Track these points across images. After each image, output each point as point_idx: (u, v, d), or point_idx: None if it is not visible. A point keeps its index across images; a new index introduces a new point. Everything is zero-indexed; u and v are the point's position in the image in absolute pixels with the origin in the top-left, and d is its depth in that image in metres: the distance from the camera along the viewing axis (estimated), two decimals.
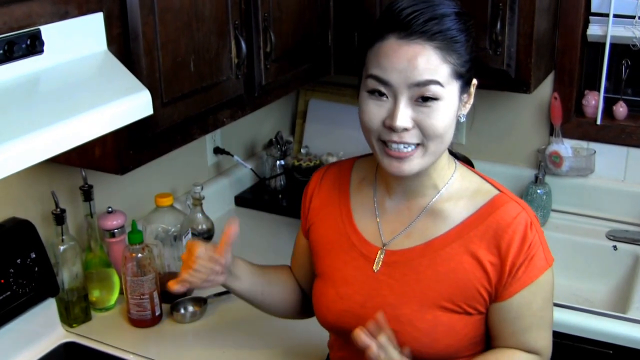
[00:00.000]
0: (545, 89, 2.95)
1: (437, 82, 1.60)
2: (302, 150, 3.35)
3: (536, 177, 2.98)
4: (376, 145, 1.68)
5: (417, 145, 1.64)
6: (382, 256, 1.80)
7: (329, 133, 3.37)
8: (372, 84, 1.64)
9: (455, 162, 1.81)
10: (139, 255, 2.30)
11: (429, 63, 1.59)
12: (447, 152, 1.76)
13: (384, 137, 1.65)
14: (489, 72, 2.53)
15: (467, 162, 1.91)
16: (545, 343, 1.79)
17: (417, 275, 1.75)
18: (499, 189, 1.76)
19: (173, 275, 2.45)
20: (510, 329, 1.75)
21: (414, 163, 1.66)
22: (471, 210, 1.74)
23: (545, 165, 3.00)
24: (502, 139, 3.09)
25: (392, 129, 1.62)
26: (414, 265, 1.76)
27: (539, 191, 2.97)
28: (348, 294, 1.82)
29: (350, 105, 3.31)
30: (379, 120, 1.64)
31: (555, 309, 2.26)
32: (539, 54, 2.60)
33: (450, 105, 1.63)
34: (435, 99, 1.60)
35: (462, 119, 1.72)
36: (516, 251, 1.68)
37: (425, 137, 1.63)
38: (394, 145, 1.64)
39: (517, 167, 3.09)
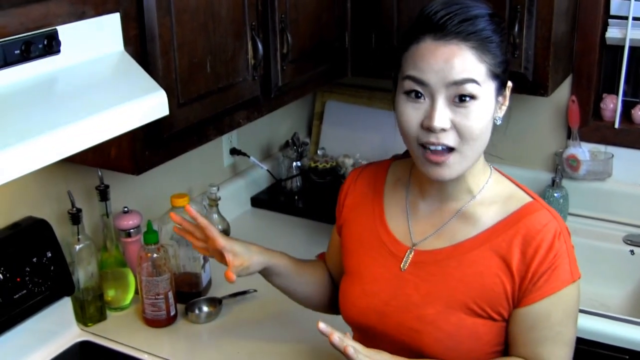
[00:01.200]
0: (563, 92, 2.93)
1: (474, 81, 1.61)
2: (318, 152, 3.35)
3: (553, 181, 2.97)
4: (416, 150, 1.68)
5: (453, 150, 1.64)
6: (410, 256, 1.82)
7: (346, 135, 3.37)
8: (408, 84, 1.65)
9: (491, 168, 1.82)
10: (154, 255, 2.31)
11: (466, 62, 1.60)
12: (482, 157, 1.77)
13: (422, 139, 1.65)
14: None
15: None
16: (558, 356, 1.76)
17: (444, 276, 1.76)
18: (532, 197, 1.76)
19: (188, 275, 2.47)
20: (524, 338, 1.73)
21: (453, 169, 1.66)
22: (502, 215, 1.74)
23: (562, 168, 2.99)
24: (519, 142, 3.07)
25: (430, 129, 1.62)
26: (441, 266, 1.76)
27: (555, 195, 2.95)
28: (374, 291, 1.84)
29: (367, 107, 3.31)
30: (417, 122, 1.65)
31: None
32: (556, 57, 2.58)
33: (487, 105, 1.65)
34: (472, 97, 1.61)
35: (499, 122, 1.73)
36: (541, 259, 1.67)
37: (462, 139, 1.63)
38: (432, 147, 1.64)
39: (534, 170, 3.07)
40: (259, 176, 3.28)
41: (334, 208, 2.04)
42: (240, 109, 2.27)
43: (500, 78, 1.67)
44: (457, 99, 1.61)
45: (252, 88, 2.28)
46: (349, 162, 3.20)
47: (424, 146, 1.65)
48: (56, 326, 2.28)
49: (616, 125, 2.93)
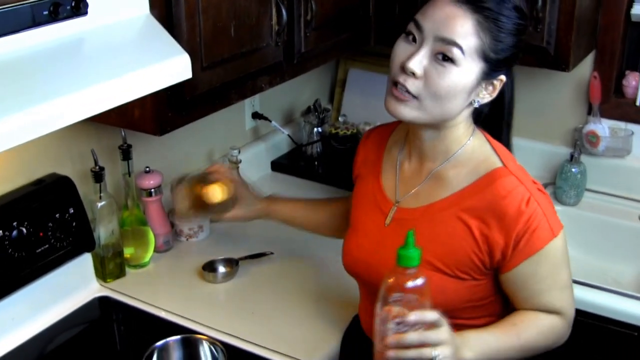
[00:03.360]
0: (585, 67, 2.93)
1: (460, 47, 1.68)
2: (339, 119, 3.36)
3: (572, 156, 2.97)
4: (387, 87, 1.77)
5: (414, 97, 1.71)
6: (393, 212, 1.91)
7: (367, 103, 3.38)
8: (410, 26, 1.75)
9: (474, 132, 1.86)
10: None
11: (462, 28, 1.67)
12: (466, 123, 1.83)
13: (394, 77, 1.74)
14: (528, 49, 2.49)
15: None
16: (563, 303, 1.84)
17: (417, 234, 1.78)
18: (504, 163, 1.80)
19: None
20: (519, 297, 1.82)
21: (408, 111, 1.74)
22: (471, 179, 1.80)
23: (581, 144, 2.99)
24: (539, 116, 3.08)
25: (403, 69, 1.71)
26: (415, 224, 1.80)
27: (573, 170, 2.96)
28: (363, 244, 1.95)
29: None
30: (400, 61, 1.73)
31: (582, 287, 2.30)
32: (579, 32, 2.58)
33: (464, 76, 1.70)
34: (451, 61, 1.68)
35: (475, 104, 1.78)
36: (511, 225, 1.72)
37: (426, 92, 1.70)
38: (397, 91, 1.72)
39: (552, 145, 3.08)
40: (280, 141, 3.30)
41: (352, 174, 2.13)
42: (262, 74, 2.29)
43: (491, 63, 1.71)
44: (439, 55, 1.68)
45: (275, 53, 2.30)
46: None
47: (395, 84, 1.73)
48: (76, 281, 2.33)
49: (637, 103, 2.92)
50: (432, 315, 1.61)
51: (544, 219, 1.74)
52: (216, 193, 2.14)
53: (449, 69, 1.68)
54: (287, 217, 2.34)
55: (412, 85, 1.71)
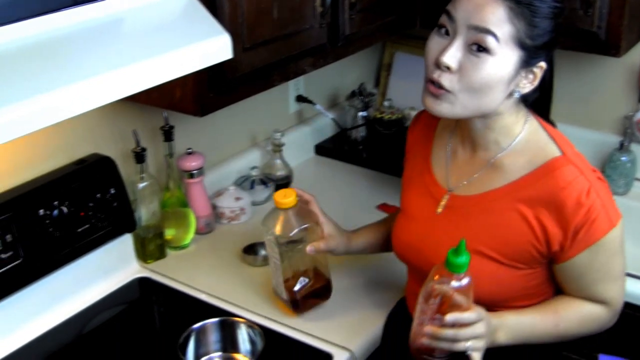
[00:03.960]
0: (637, 53, 2.86)
1: (494, 35, 1.63)
2: (384, 103, 3.34)
3: (621, 144, 2.92)
4: (424, 84, 1.73)
5: (449, 92, 1.68)
6: (445, 199, 1.88)
7: (413, 87, 3.31)
8: (442, 18, 1.71)
9: (527, 120, 1.82)
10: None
11: (494, 15, 1.63)
12: (513, 112, 1.78)
13: (428, 74, 1.71)
14: (577, 33, 2.48)
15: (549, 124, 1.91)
16: (613, 294, 1.82)
17: (469, 222, 1.82)
18: (563, 151, 1.76)
19: None
20: (574, 285, 1.80)
21: (444, 107, 1.71)
22: (529, 168, 1.76)
23: (631, 132, 2.93)
24: (588, 103, 3.03)
25: (437, 64, 1.67)
26: (468, 213, 1.82)
27: (622, 158, 2.90)
28: (413, 229, 1.94)
29: None
30: (434, 57, 1.70)
31: (631, 279, 2.25)
32: (632, 16, 2.52)
33: (500, 66, 1.65)
34: (486, 50, 1.63)
35: (516, 95, 1.73)
36: (571, 216, 1.69)
37: (461, 85, 1.67)
38: (431, 86, 1.70)
39: (601, 133, 3.02)
40: (324, 124, 3.29)
41: (398, 159, 2.14)
42: (306, 56, 2.27)
43: (528, 49, 1.66)
44: (474, 46, 1.64)
45: (318, 36, 2.28)
46: (414, 114, 3.18)
47: (430, 81, 1.71)
48: (117, 261, 2.34)
49: None
50: (469, 316, 1.65)
51: (603, 210, 1.70)
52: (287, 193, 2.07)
53: (484, 59, 1.64)
54: (365, 245, 2.20)
55: (446, 80, 1.67)
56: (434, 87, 1.69)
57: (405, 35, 3.27)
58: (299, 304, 2.13)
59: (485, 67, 1.64)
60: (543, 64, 1.72)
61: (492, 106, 1.71)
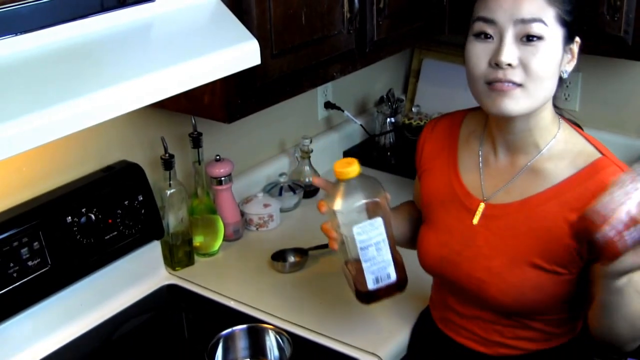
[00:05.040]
0: None
1: (542, 21, 1.63)
2: (413, 109, 3.33)
3: None
4: (482, 90, 1.71)
5: (519, 85, 1.66)
6: (482, 209, 1.84)
7: (442, 93, 3.34)
8: (478, 26, 1.70)
9: (560, 122, 1.81)
10: None
11: (534, 3, 1.64)
12: (551, 112, 1.79)
13: (489, 77, 1.68)
14: (605, 38, 2.45)
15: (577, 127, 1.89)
16: None
17: (512, 230, 1.78)
18: (602, 152, 1.76)
19: None
20: None
21: (517, 103, 1.67)
22: (572, 171, 1.75)
23: None
24: (616, 108, 3.00)
25: (498, 64, 1.65)
26: (510, 220, 1.79)
27: None
28: (447, 241, 1.88)
29: (464, 67, 3.26)
30: (485, 61, 1.68)
31: None
32: None
33: (553, 48, 1.66)
34: (539, 37, 1.64)
35: (565, 75, 1.74)
36: None
37: (528, 77, 1.65)
38: (499, 84, 1.66)
39: (628, 137, 2.98)
40: (353, 131, 3.27)
41: None
42: (334, 62, 2.27)
43: (569, 26, 1.68)
44: (524, 38, 1.64)
45: (347, 41, 2.27)
46: None
47: (490, 83, 1.68)
48: (145, 268, 2.34)
49: None
50: None
51: None
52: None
53: (539, 46, 1.64)
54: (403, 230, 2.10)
55: (515, 75, 1.65)
56: (500, 85, 1.66)
57: (433, 41, 3.26)
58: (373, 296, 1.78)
59: (543, 52, 1.64)
60: (579, 39, 1.74)
61: (553, 90, 1.72)
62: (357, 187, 1.71)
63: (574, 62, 1.75)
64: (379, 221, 1.69)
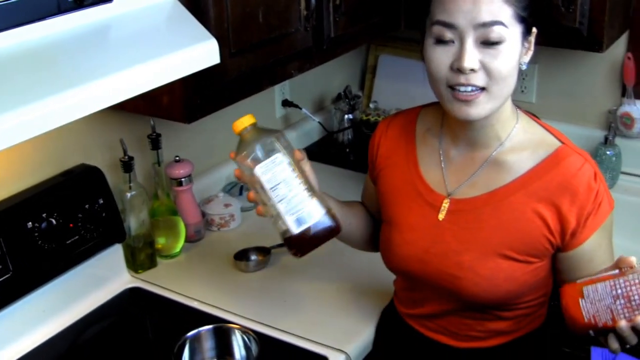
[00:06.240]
0: (619, 48, 2.87)
1: (502, 23, 1.63)
2: (370, 105, 3.34)
3: (606, 138, 2.92)
4: (444, 92, 1.70)
5: (482, 89, 1.66)
6: (447, 205, 1.84)
7: (398, 89, 3.35)
8: (437, 30, 1.67)
9: (518, 113, 1.83)
10: None
11: (492, 4, 1.62)
12: (510, 104, 1.80)
13: (451, 81, 1.67)
14: (560, 30, 2.48)
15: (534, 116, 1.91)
16: None
17: (480, 223, 1.79)
18: (561, 141, 1.78)
19: None
20: (584, 272, 1.75)
21: (481, 107, 1.68)
22: (535, 161, 1.76)
23: (615, 126, 2.93)
24: (572, 99, 3.03)
25: (460, 70, 1.64)
26: (477, 214, 1.80)
27: (608, 152, 2.91)
28: (413, 240, 1.87)
29: (420, 62, 3.25)
30: (447, 65, 1.67)
31: None
32: (613, 12, 2.53)
33: (514, 47, 1.66)
34: (500, 40, 1.63)
35: (524, 67, 1.74)
36: (583, 202, 1.71)
37: (491, 80, 1.65)
38: (462, 88, 1.66)
39: (586, 128, 3.02)
40: (311, 128, 3.28)
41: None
42: (292, 60, 2.27)
43: (526, 21, 1.68)
44: (485, 41, 1.63)
45: (304, 39, 2.27)
46: None
47: (453, 88, 1.67)
48: (107, 272, 2.32)
49: None
50: None
51: (606, 193, 1.75)
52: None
53: (501, 48, 1.63)
54: (356, 225, 2.09)
55: (477, 79, 1.64)
56: (465, 95, 1.66)
57: (389, 37, 3.27)
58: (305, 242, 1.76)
59: (505, 54, 1.64)
60: (535, 29, 1.74)
61: (514, 85, 1.72)
62: (253, 134, 1.76)
63: (531, 52, 1.75)
64: (279, 157, 1.71)
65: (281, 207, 1.70)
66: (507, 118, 1.79)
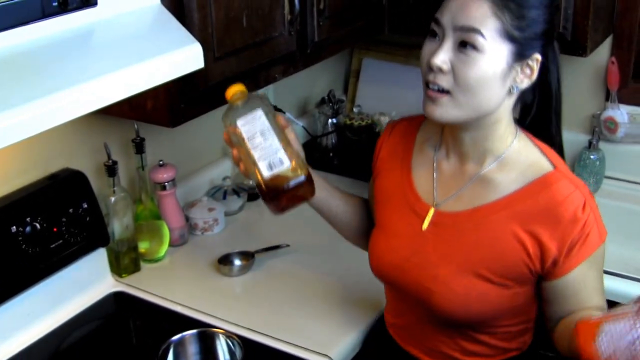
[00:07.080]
0: (603, 52, 2.89)
1: (480, 32, 1.60)
2: (354, 109, 3.34)
3: (590, 143, 2.94)
4: (424, 87, 1.71)
5: (447, 92, 1.65)
6: (431, 215, 1.82)
7: (382, 93, 3.36)
8: (432, 25, 1.69)
9: (517, 133, 1.78)
10: None
11: (478, 11, 1.60)
12: (507, 122, 1.75)
13: (425, 77, 1.69)
14: None
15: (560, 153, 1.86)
16: (602, 304, 1.77)
17: (460, 238, 1.77)
18: (555, 165, 1.73)
19: None
20: (572, 303, 1.73)
21: (444, 110, 1.67)
22: (521, 183, 1.72)
23: (599, 130, 2.95)
24: None
25: (430, 66, 1.65)
26: (459, 229, 1.77)
27: (592, 157, 2.93)
28: (396, 247, 1.86)
29: (404, 65, 3.29)
30: (427, 59, 1.68)
31: (606, 276, 2.26)
32: (596, 16, 2.54)
33: (491, 62, 1.61)
34: (475, 48, 1.60)
35: (514, 91, 1.69)
36: (568, 232, 1.66)
37: (456, 85, 1.64)
38: (430, 85, 1.67)
39: (570, 132, 3.01)
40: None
41: (369, 165, 2.05)
42: (276, 64, 2.27)
43: (519, 42, 1.62)
44: (461, 45, 1.62)
45: (288, 43, 2.27)
46: (384, 120, 3.18)
47: (427, 84, 1.68)
48: (91, 276, 2.32)
49: None
50: None
51: (596, 224, 1.69)
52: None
53: (474, 57, 1.60)
54: (321, 204, 2.01)
55: (442, 80, 1.64)
56: (432, 92, 1.66)
57: (372, 40, 3.28)
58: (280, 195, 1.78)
59: (477, 64, 1.61)
60: (538, 56, 1.67)
61: (492, 104, 1.67)
62: (240, 98, 1.80)
63: (532, 79, 1.70)
64: (259, 112, 1.77)
65: (256, 154, 1.74)
66: (501, 136, 1.75)
